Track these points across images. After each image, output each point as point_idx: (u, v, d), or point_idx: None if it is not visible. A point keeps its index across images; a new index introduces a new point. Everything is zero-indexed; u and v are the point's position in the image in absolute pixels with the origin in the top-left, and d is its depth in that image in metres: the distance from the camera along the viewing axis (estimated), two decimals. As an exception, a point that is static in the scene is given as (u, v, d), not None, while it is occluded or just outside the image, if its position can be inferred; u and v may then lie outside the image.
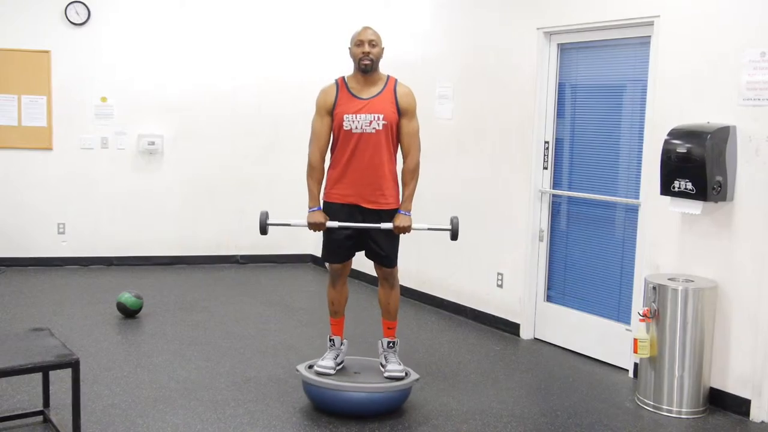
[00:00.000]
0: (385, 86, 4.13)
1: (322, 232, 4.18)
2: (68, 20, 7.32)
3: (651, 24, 4.65)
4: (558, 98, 5.43)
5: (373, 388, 4.02)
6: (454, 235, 4.15)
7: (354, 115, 4.05)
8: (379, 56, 4.10)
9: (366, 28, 4.15)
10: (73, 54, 7.36)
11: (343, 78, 4.18)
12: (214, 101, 7.72)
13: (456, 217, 4.17)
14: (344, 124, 4.06)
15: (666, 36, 4.55)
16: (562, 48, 5.37)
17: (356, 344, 4.93)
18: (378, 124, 4.05)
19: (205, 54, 7.67)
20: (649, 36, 4.69)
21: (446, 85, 6.23)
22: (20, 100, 7.28)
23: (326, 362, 4.16)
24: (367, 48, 4.06)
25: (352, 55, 4.11)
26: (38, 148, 7.37)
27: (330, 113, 4.11)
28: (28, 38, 7.26)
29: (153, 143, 7.56)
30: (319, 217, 4.08)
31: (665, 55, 4.55)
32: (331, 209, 4.14)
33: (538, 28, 5.39)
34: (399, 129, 4.12)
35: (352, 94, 4.10)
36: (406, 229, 4.07)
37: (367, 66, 4.06)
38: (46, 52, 7.30)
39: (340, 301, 4.31)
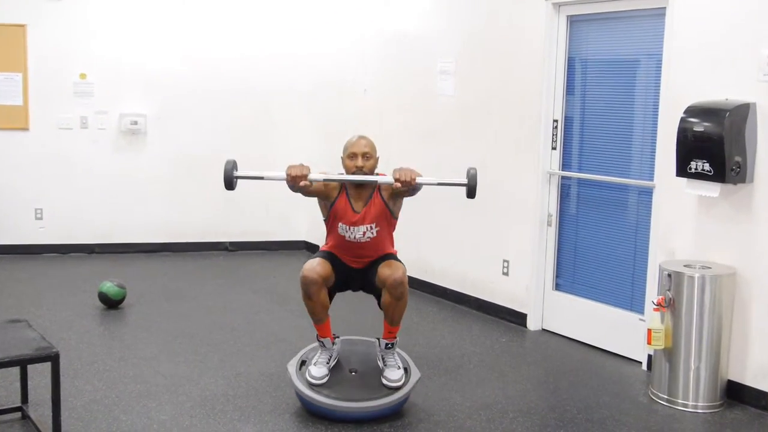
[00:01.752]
0: (374, 189, 4.08)
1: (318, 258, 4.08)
2: (44, -9, 7.30)
3: (667, -6, 4.64)
4: (567, 74, 5.41)
5: (368, 407, 3.96)
6: (471, 191, 3.77)
7: (348, 227, 4.05)
8: (373, 168, 4.05)
9: (360, 139, 4.07)
10: (51, 28, 7.32)
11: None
12: (201, 77, 7.69)
13: (474, 169, 3.78)
14: (339, 230, 4.08)
15: (682, 7, 4.53)
16: (572, 20, 5.36)
17: (353, 327, 4.92)
18: (372, 232, 4.06)
19: (191, 27, 7.64)
20: (664, 7, 4.67)
21: (448, 60, 6.21)
22: (-6, 78, 7.28)
23: (318, 370, 4.07)
24: (360, 162, 4.00)
25: (345, 167, 4.07)
26: (13, 128, 7.35)
27: (326, 197, 4.08)
28: (2, 11, 7.22)
29: (136, 123, 7.55)
30: (303, 170, 3.81)
31: (681, 27, 4.54)
32: (331, 258, 4.12)
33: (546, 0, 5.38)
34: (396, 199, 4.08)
35: (349, 203, 4.07)
36: (410, 178, 3.73)
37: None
38: (22, 26, 7.27)
39: (322, 309, 4.10)
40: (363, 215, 4.05)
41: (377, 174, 4.08)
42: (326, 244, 4.23)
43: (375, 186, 4.06)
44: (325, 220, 4.19)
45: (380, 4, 6.89)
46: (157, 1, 7.55)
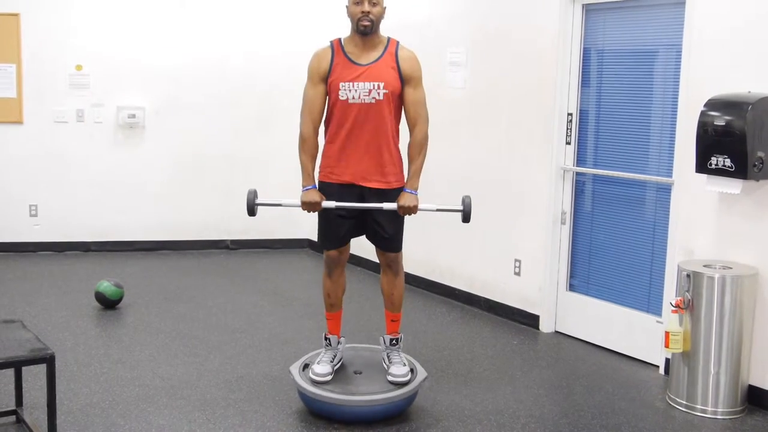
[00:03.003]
0: (385, 50, 4.08)
1: (317, 213, 4.15)
2: (39, -21, 7.32)
3: (686, -18, 4.63)
4: (583, 65, 5.41)
5: (374, 401, 3.99)
6: (466, 217, 4.07)
7: (351, 83, 4.00)
8: (380, 16, 4.04)
9: None
10: (45, 17, 7.34)
11: (339, 40, 4.13)
12: (202, 70, 7.70)
13: (468, 197, 4.10)
14: (340, 93, 4.01)
15: (703, -5, 4.53)
16: (588, 9, 5.35)
17: (358, 334, 4.95)
18: (378, 93, 4.01)
19: (192, 18, 7.65)
20: (685, -5, 4.68)
21: (458, 51, 6.21)
22: (-13, 69, 7.31)
23: (322, 368, 4.11)
24: (366, 7, 3.98)
25: (350, 14, 4.06)
26: (7, 122, 7.38)
27: (324, 80, 4.07)
28: (-5, 0, 7.26)
29: (134, 116, 7.56)
30: (314, 195, 4.03)
31: (702, 16, 4.52)
32: (328, 190, 4.11)
33: (560, -13, 5.37)
34: (403, 98, 4.09)
35: (350, 60, 4.05)
36: (412, 210, 4.00)
37: (366, 27, 4.00)
38: (15, 15, 7.29)
39: (337, 293, 4.28)
40: (368, 70, 4.02)
41: (388, 38, 4.12)
42: (322, 160, 4.18)
43: (386, 46, 4.09)
44: (330, 109, 4.14)
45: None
46: (155, -10, 7.58)
